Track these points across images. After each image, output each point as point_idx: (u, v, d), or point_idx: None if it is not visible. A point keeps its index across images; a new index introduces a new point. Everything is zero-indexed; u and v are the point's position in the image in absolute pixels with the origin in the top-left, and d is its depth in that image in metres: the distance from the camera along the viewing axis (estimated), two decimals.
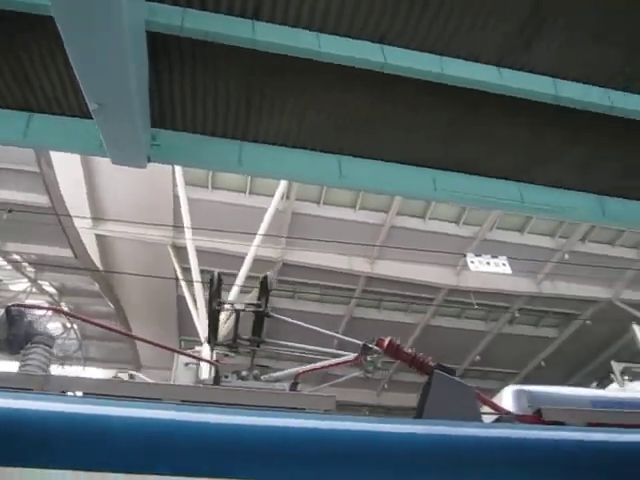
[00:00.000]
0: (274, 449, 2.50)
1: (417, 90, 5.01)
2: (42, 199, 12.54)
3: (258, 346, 4.52)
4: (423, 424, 2.97)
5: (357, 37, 4.69)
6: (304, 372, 4.30)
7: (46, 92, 5.16)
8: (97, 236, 16.04)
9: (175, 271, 16.28)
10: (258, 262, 14.84)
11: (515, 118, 5.60)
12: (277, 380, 4.06)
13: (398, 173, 5.79)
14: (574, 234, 16.40)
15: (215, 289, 4.32)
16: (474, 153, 5.95)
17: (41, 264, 15.03)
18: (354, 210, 15.86)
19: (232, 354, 4.53)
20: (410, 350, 3.91)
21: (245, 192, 15.29)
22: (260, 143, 5.67)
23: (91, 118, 4.69)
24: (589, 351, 20.38)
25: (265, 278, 4.38)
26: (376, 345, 3.98)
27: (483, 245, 16.29)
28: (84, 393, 2.79)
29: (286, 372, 4.32)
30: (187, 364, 4.57)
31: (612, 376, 15.52)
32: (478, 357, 20.59)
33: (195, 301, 14.74)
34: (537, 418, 3.33)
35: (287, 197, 15.27)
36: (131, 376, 5.03)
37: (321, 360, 4.36)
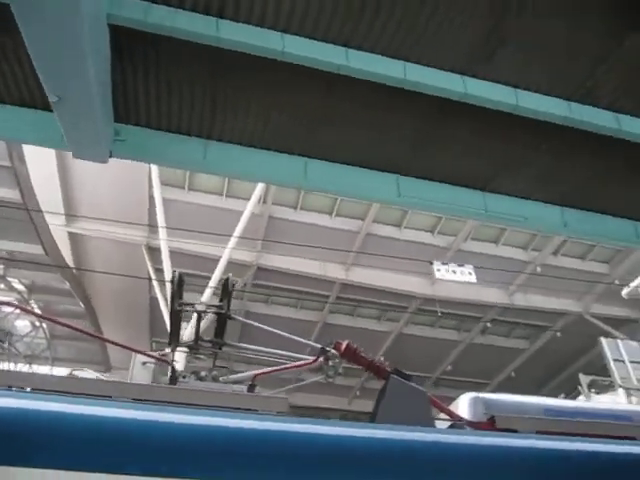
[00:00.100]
0: (222, 449, 2.50)
1: (378, 92, 5.03)
2: (12, 194, 12.28)
3: (220, 348, 4.50)
4: (373, 428, 2.98)
5: (322, 39, 4.71)
6: (262, 374, 4.30)
7: (7, 82, 5.08)
8: (69, 233, 15.83)
9: (148, 272, 16.14)
10: (233, 265, 14.77)
11: (480, 126, 5.64)
12: (236, 382, 4.05)
13: (362, 177, 5.81)
14: (547, 247, 16.63)
15: (176, 289, 4.29)
16: (439, 159, 5.99)
17: (10, 260, 14.72)
18: (331, 216, 15.90)
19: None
20: (366, 355, 3.94)
21: (222, 194, 15.22)
22: (226, 142, 5.65)
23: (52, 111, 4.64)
24: (559, 363, 20.66)
25: (227, 280, 4.36)
26: (334, 349, 4.01)
27: (457, 255, 16.43)
28: (32, 389, 2.75)
29: (245, 374, 4.32)
30: (144, 363, 4.53)
31: (579, 388, 15.74)
32: (450, 366, 20.73)
33: (167, 303, 14.61)
34: (490, 425, 3.36)
35: (264, 201, 15.26)
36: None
37: (284, 363, 4.37)
